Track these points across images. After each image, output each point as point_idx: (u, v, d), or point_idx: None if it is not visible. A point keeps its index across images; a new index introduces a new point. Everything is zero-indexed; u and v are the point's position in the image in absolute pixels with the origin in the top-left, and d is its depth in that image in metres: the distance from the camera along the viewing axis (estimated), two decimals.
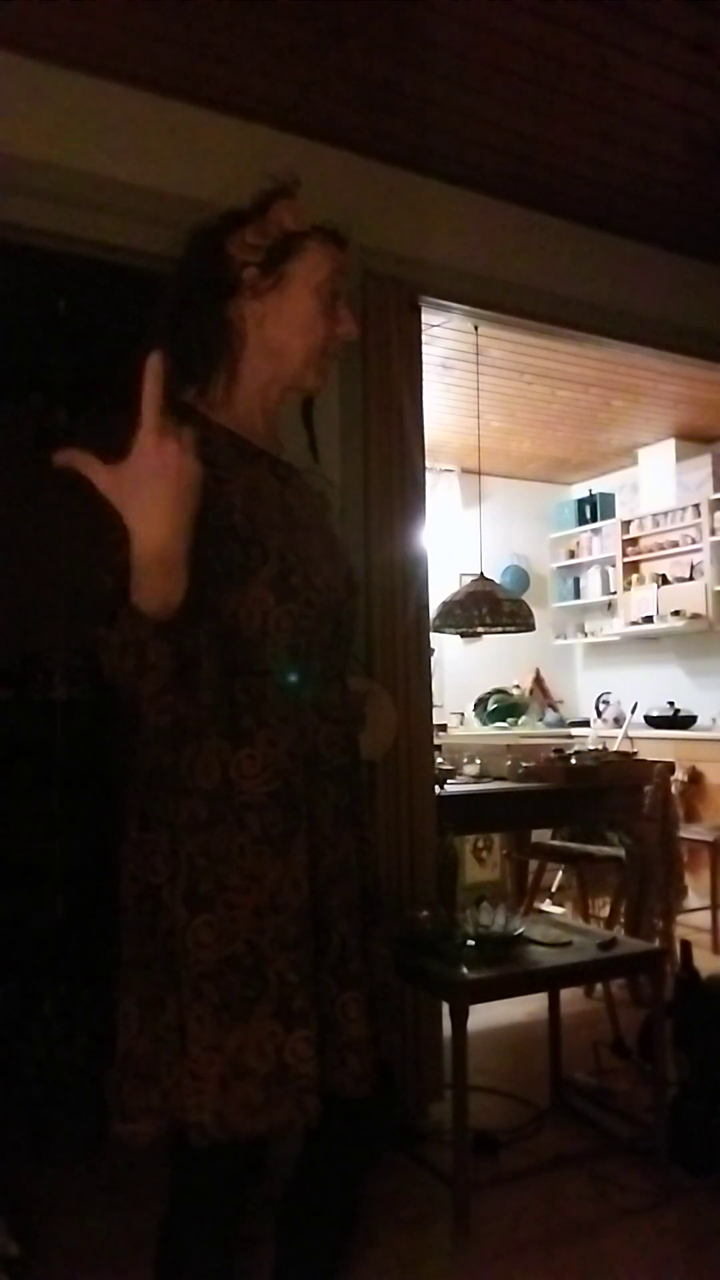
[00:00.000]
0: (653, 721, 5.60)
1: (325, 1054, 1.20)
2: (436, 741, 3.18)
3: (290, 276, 1.27)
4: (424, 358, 2.87)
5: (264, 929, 1.17)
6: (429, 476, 3.34)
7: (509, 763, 3.65)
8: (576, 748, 4.48)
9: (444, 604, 3.88)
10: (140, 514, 0.94)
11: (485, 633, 4.20)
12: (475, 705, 5.85)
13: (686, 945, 2.86)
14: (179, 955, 1.16)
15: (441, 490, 5.86)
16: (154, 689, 1.03)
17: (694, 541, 5.68)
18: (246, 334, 1.28)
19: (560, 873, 4.78)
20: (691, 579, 5.68)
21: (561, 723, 6.18)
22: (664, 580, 5.87)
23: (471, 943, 2.29)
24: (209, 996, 1.15)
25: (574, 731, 5.95)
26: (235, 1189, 1.27)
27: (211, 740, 1.18)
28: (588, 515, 6.43)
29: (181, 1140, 1.20)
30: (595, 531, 6.39)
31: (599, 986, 3.41)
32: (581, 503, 6.49)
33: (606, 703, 6.20)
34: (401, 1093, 2.52)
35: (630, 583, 6.10)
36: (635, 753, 4.61)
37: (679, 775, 4.79)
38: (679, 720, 5.53)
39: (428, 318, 2.95)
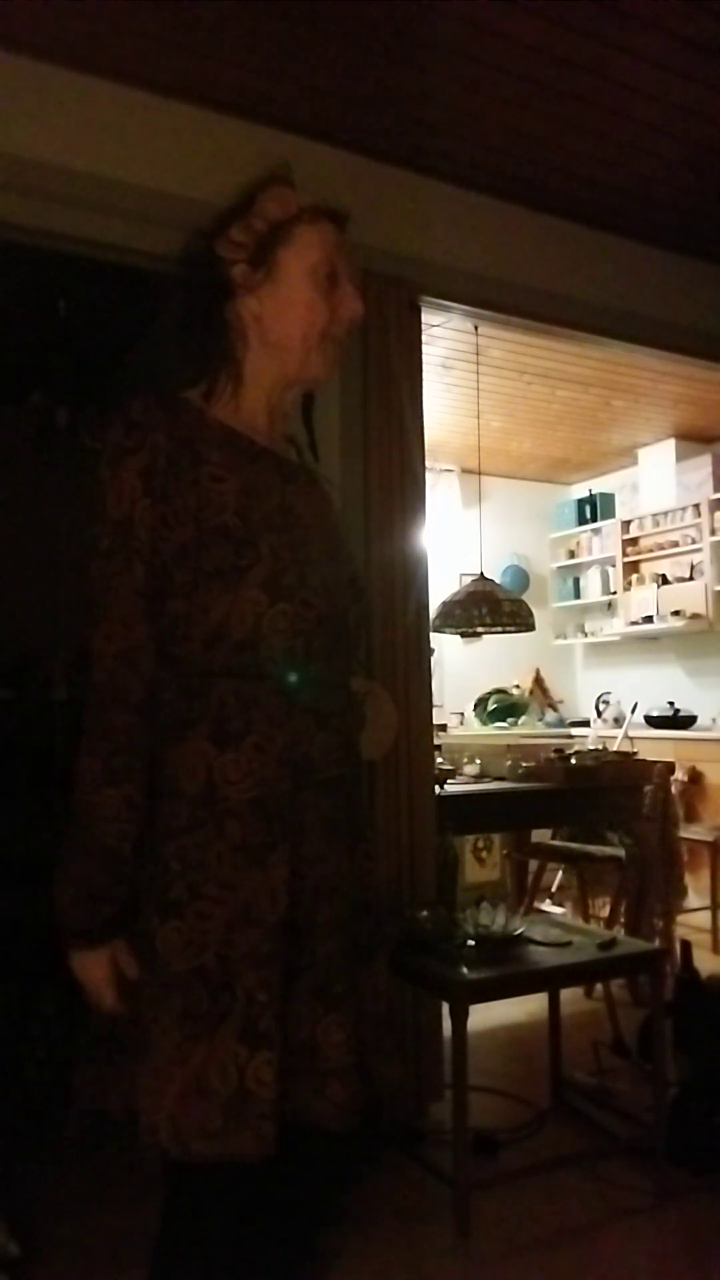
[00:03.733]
0: (653, 721, 5.60)
1: (300, 1080, 1.15)
2: (436, 741, 3.18)
3: (281, 264, 1.26)
4: (424, 358, 2.87)
5: (235, 943, 1.13)
6: (429, 476, 3.34)
7: (509, 763, 3.65)
8: (576, 748, 4.47)
9: (444, 604, 3.88)
10: None
11: (485, 633, 4.20)
12: (475, 705, 5.85)
13: (686, 945, 2.87)
14: (148, 958, 1.15)
15: (441, 490, 5.86)
16: None
17: (694, 541, 5.68)
18: (247, 332, 1.28)
19: (560, 873, 4.77)
20: (691, 579, 5.68)
21: (561, 723, 6.18)
22: (664, 580, 5.87)
23: (471, 943, 2.29)
24: (173, 1006, 1.12)
25: (574, 731, 5.95)
26: (233, 1210, 1.20)
27: (197, 743, 1.16)
28: (588, 515, 6.43)
29: (173, 1162, 1.15)
30: (595, 531, 6.39)
31: (599, 986, 3.41)
32: (581, 503, 6.49)
33: (606, 703, 6.19)
34: (387, 1121, 2.47)
35: (630, 583, 6.10)
36: (635, 753, 4.60)
37: (679, 775, 4.79)
38: (679, 720, 5.53)
39: (428, 318, 2.95)
